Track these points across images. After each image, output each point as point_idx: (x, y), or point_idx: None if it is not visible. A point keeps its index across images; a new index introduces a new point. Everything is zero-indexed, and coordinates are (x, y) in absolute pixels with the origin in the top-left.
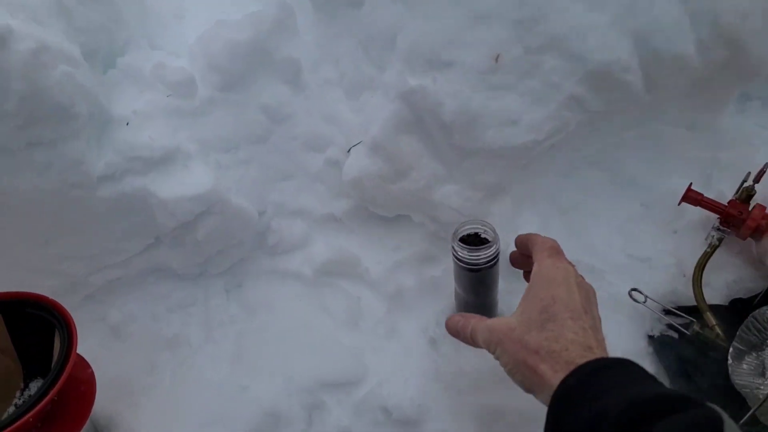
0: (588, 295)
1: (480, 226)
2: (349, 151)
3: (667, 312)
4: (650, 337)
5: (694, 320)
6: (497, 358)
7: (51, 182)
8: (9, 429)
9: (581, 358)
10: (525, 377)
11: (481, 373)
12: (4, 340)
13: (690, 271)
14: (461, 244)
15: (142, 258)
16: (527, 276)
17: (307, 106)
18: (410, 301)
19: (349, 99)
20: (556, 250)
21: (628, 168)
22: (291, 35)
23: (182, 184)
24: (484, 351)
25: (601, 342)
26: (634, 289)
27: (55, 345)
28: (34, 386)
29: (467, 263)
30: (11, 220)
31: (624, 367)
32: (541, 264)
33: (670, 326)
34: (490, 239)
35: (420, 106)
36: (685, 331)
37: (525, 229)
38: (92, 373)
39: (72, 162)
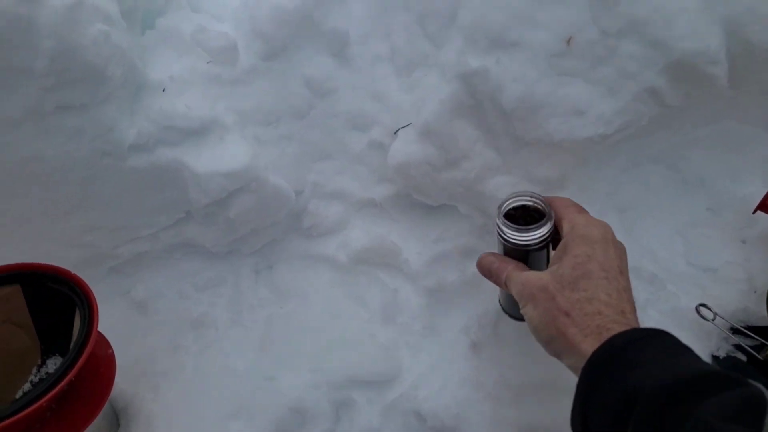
0: (622, 254)
1: (530, 198)
2: (395, 133)
3: (735, 331)
4: (715, 358)
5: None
6: (524, 314)
7: (81, 149)
8: (22, 413)
9: (614, 323)
10: (552, 338)
11: (525, 385)
12: (22, 314)
13: (762, 287)
14: (507, 222)
15: (171, 232)
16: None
17: (353, 81)
18: (451, 297)
19: (399, 77)
20: (581, 207)
21: (696, 168)
22: (340, 5)
23: (217, 159)
24: (529, 359)
25: (633, 306)
26: (703, 305)
27: (75, 322)
28: (52, 363)
29: (515, 244)
30: (38, 187)
31: (660, 338)
32: (573, 221)
33: (739, 347)
34: (543, 213)
35: (480, 89)
36: (757, 354)
37: None
38: (112, 354)
39: (103, 128)
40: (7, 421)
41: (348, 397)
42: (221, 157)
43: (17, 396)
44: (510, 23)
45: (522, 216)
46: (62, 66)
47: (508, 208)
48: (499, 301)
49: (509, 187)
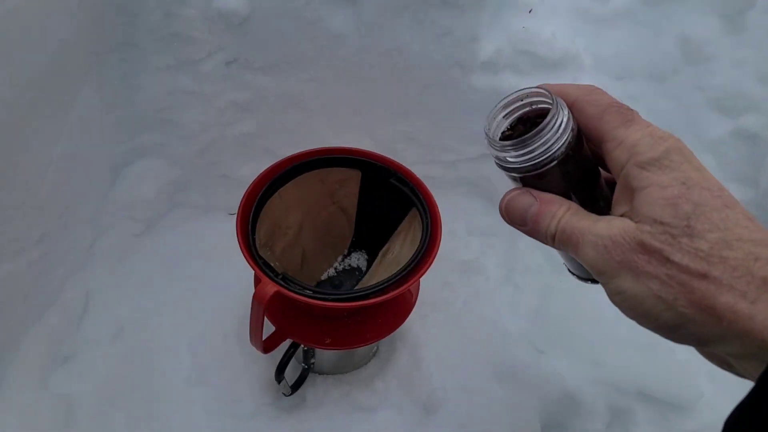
0: None
1: (525, 99)
2: None
3: None
4: None
5: None
6: (616, 290)
7: (439, 52)
8: (391, 293)
9: None
10: (686, 320)
11: None
12: (350, 201)
13: None
14: (506, 144)
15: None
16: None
17: (741, 54)
18: None
19: None
20: (624, 108)
21: None
22: None
23: None
24: None
25: None
26: None
27: (402, 226)
28: (356, 257)
29: (533, 165)
30: (387, 80)
31: None
32: (626, 140)
33: None
34: (547, 105)
35: None
36: None
37: None
38: None
39: (469, 36)
40: (372, 300)
41: (629, 408)
42: None
43: (322, 278)
44: None
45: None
46: None
47: (502, 130)
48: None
49: None
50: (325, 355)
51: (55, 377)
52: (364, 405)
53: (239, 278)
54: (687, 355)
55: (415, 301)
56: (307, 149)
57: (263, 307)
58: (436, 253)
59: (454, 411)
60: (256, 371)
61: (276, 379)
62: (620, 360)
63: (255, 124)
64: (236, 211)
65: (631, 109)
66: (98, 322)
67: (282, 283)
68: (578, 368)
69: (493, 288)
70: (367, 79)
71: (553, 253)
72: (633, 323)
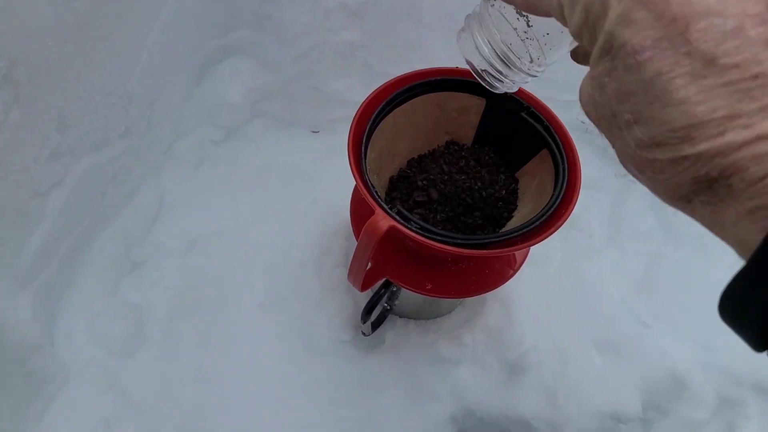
0: None
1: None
2: None
3: None
4: None
5: None
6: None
7: None
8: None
9: None
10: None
11: None
12: (467, 133)
13: None
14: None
15: None
16: None
17: None
18: None
19: None
20: None
21: None
22: None
23: None
24: None
25: None
26: None
27: (526, 168)
28: None
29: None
30: None
31: None
32: None
33: None
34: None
35: None
36: None
37: None
38: None
39: None
40: (499, 250)
41: (741, 399)
42: None
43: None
44: None
45: None
46: None
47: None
48: None
49: None
50: (410, 298)
51: (125, 284)
52: (448, 357)
53: (320, 201)
54: None
55: (527, 255)
56: (427, 68)
57: (374, 242)
58: (575, 205)
59: (545, 376)
60: (333, 306)
61: (362, 320)
62: (735, 347)
63: (360, 33)
64: (318, 130)
65: None
66: (170, 230)
67: (398, 218)
68: (687, 349)
69: (596, 248)
70: None
71: (667, 218)
72: None
